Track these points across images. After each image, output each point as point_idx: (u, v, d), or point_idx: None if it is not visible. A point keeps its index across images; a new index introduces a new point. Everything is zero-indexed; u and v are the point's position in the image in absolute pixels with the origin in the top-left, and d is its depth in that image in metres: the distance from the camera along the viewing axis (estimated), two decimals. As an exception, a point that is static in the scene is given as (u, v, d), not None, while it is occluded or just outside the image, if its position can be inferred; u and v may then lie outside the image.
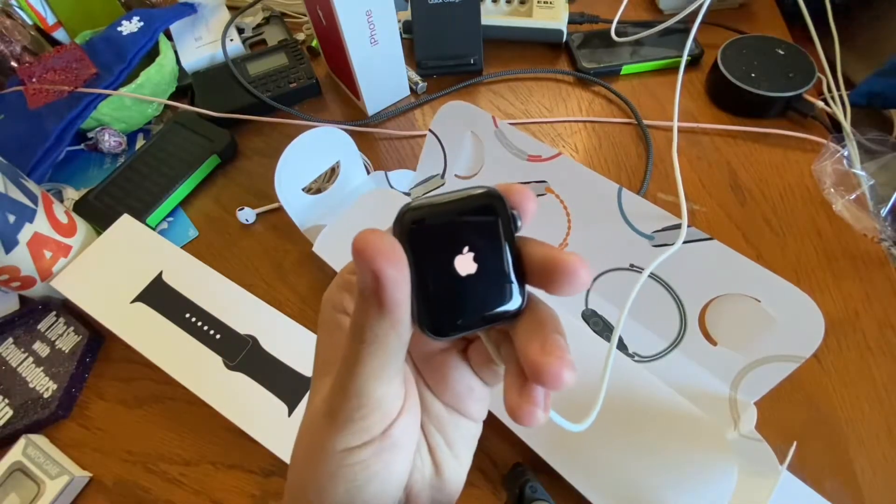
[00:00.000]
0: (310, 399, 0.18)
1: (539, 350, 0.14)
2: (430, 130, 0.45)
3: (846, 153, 0.45)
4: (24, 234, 0.40)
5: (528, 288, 0.15)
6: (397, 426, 0.16)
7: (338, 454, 0.15)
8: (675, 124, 0.43)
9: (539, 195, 0.41)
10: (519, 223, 0.15)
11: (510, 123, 0.54)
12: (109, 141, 0.54)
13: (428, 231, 0.14)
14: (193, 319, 0.40)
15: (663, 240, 0.36)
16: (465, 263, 0.14)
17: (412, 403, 0.17)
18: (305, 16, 0.66)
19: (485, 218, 0.15)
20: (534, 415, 0.14)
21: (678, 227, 0.35)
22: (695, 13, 0.49)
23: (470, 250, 0.14)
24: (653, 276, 0.37)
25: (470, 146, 0.44)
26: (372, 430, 0.15)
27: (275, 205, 0.50)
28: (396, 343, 0.14)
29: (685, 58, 0.47)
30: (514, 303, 0.15)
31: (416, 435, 0.17)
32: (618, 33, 0.58)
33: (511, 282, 0.15)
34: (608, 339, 0.39)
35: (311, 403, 0.17)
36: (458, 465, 0.19)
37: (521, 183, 0.41)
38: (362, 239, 0.13)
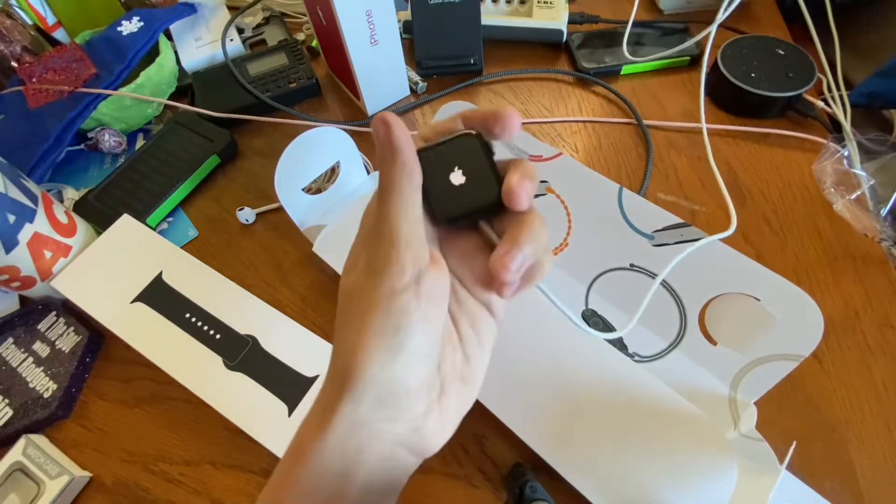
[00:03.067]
0: (345, 274, 0.21)
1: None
2: None
3: (846, 153, 0.45)
4: (24, 234, 0.40)
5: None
6: (427, 277, 0.19)
7: (383, 299, 0.19)
8: (704, 126, 0.42)
9: (540, 195, 0.41)
10: (493, 147, 0.21)
11: (510, 123, 0.54)
12: (109, 141, 0.54)
13: (432, 158, 0.21)
14: (193, 319, 0.40)
15: (663, 239, 0.36)
16: (457, 177, 0.21)
17: (440, 267, 0.20)
18: (305, 16, 0.66)
19: (467, 148, 0.21)
20: (508, 269, 0.19)
21: (678, 226, 0.35)
22: (697, 14, 0.49)
23: (459, 168, 0.21)
24: (651, 274, 0.37)
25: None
26: (406, 272, 0.19)
27: (275, 205, 0.50)
28: (409, 185, 0.19)
29: (705, 60, 0.46)
30: (490, 197, 0.21)
31: (445, 296, 0.20)
32: (618, 34, 0.58)
33: (488, 185, 0.21)
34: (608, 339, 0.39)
35: (347, 277, 0.21)
36: (482, 353, 0.22)
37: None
38: (378, 114, 0.19)
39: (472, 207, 0.21)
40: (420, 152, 0.20)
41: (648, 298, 0.31)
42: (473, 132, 0.21)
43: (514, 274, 0.19)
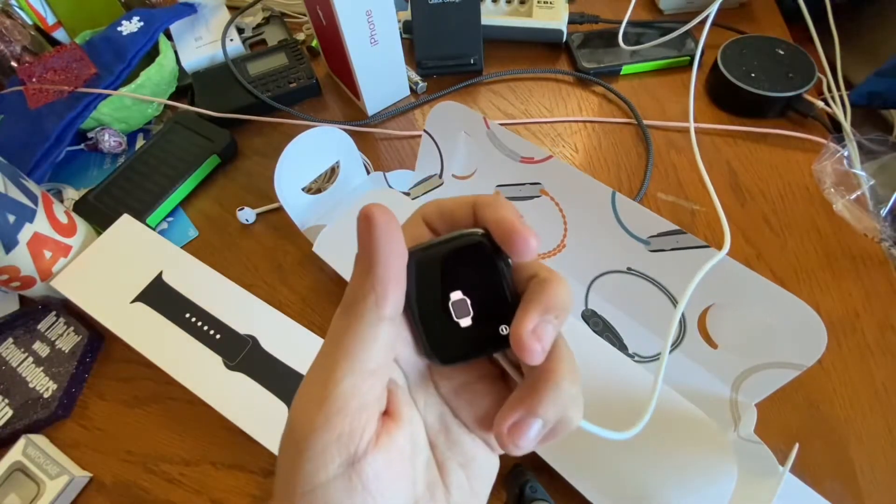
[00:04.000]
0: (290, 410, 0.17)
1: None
2: (425, 131, 0.45)
3: (846, 153, 0.45)
4: (24, 234, 0.40)
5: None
6: (370, 461, 0.14)
7: (302, 496, 0.14)
8: (692, 125, 0.42)
9: (534, 197, 0.41)
10: (510, 261, 0.16)
11: (511, 123, 0.54)
12: (109, 141, 0.54)
13: (428, 266, 0.16)
14: (193, 319, 0.40)
15: (659, 245, 0.36)
16: (460, 301, 0.17)
17: (394, 430, 0.15)
18: (305, 16, 0.66)
19: (475, 257, 0.16)
20: (517, 445, 0.15)
21: (674, 233, 0.35)
22: (697, 14, 0.49)
23: (462, 285, 0.17)
24: (650, 279, 0.37)
25: (464, 146, 0.44)
26: (329, 460, 0.14)
27: (275, 205, 0.50)
28: (374, 315, 0.15)
29: (697, 57, 0.46)
30: (496, 336, 0.16)
31: (405, 474, 0.16)
32: (619, 34, 0.58)
33: (496, 316, 0.16)
34: (608, 338, 0.39)
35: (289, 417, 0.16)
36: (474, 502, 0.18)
37: (516, 185, 0.41)
38: (364, 207, 0.15)
39: (474, 348, 0.17)
40: (414, 253, 0.16)
41: (674, 327, 0.30)
42: (481, 233, 0.16)
43: (527, 446, 0.15)
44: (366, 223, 0.14)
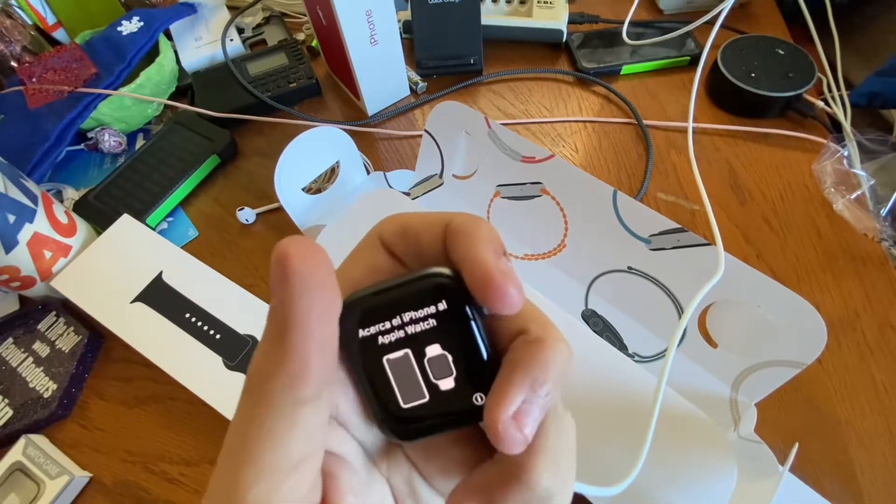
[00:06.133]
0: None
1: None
2: (426, 131, 0.45)
3: (846, 153, 0.45)
4: (24, 234, 0.40)
5: None
6: None
7: None
8: (690, 125, 0.42)
9: (535, 196, 0.41)
10: (485, 311, 0.13)
11: (511, 123, 0.54)
12: (109, 141, 0.54)
13: (378, 331, 0.13)
14: (193, 319, 0.40)
15: (660, 244, 0.36)
16: (422, 364, 0.13)
17: None
18: (305, 16, 0.66)
19: (441, 312, 0.13)
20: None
21: (675, 231, 0.35)
22: (697, 14, 0.49)
23: (428, 347, 0.13)
24: (650, 278, 0.37)
25: (465, 146, 0.44)
26: None
27: (275, 205, 0.50)
28: (287, 398, 0.11)
29: (704, 57, 0.46)
30: (466, 410, 0.13)
31: None
32: (618, 34, 0.58)
33: (470, 382, 0.13)
34: (608, 338, 0.39)
35: None
36: None
37: (517, 184, 0.41)
38: (280, 244, 0.11)
39: (438, 421, 0.14)
40: (357, 302, 0.13)
41: (681, 329, 0.30)
42: (448, 273, 0.13)
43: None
44: (279, 269, 0.11)
